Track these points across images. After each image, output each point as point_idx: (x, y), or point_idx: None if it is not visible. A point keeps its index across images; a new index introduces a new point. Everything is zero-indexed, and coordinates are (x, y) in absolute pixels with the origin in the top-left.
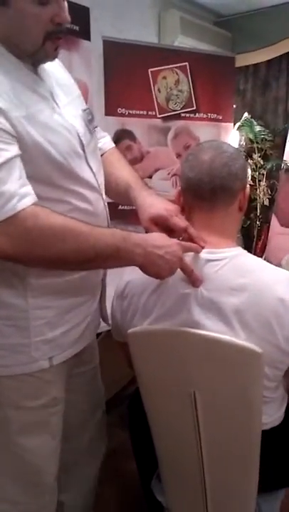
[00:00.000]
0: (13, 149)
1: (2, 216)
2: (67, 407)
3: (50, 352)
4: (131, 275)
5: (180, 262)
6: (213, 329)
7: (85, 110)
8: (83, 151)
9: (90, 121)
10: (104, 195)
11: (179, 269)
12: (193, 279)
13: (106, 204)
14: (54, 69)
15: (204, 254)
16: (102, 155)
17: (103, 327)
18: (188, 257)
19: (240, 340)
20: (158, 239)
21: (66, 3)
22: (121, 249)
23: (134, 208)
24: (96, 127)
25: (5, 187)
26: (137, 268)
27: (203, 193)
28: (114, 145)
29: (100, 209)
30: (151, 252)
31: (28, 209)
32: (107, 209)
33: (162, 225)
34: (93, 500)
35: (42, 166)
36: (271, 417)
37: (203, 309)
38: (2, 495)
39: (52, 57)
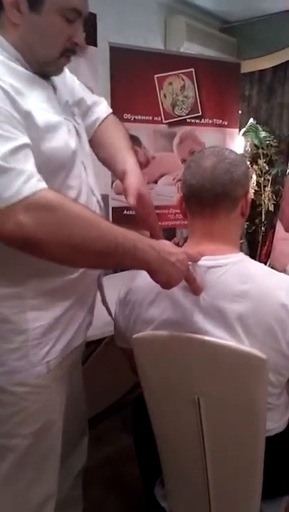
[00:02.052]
0: (27, 139)
1: (26, 191)
2: None
3: (47, 355)
4: (135, 281)
5: (187, 271)
6: (217, 336)
7: (72, 102)
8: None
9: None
10: (98, 196)
11: None
12: (194, 288)
13: (101, 204)
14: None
15: (206, 261)
16: (99, 125)
17: (107, 331)
18: (190, 264)
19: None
20: (169, 245)
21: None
22: (138, 248)
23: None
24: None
25: (25, 166)
26: (139, 275)
27: (206, 200)
28: (110, 111)
29: (93, 207)
30: (164, 258)
31: (50, 190)
32: (102, 208)
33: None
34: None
35: (46, 162)
36: (275, 424)
37: (206, 316)
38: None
39: (59, 72)
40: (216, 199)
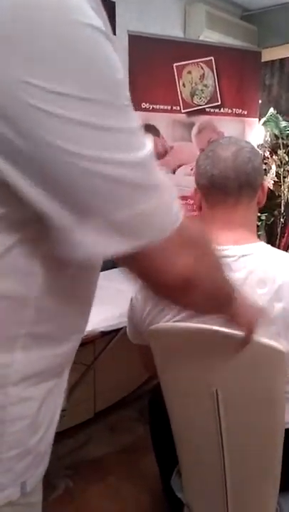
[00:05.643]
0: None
1: (180, 216)
2: None
3: (25, 472)
4: None
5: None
6: None
7: None
8: None
9: None
10: None
11: None
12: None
13: None
14: None
15: (234, 251)
16: None
17: (124, 322)
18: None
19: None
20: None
21: None
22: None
23: None
24: None
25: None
26: None
27: (229, 189)
28: None
29: None
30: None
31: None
32: None
33: None
34: None
35: None
36: None
37: None
38: None
39: None
40: (240, 188)
